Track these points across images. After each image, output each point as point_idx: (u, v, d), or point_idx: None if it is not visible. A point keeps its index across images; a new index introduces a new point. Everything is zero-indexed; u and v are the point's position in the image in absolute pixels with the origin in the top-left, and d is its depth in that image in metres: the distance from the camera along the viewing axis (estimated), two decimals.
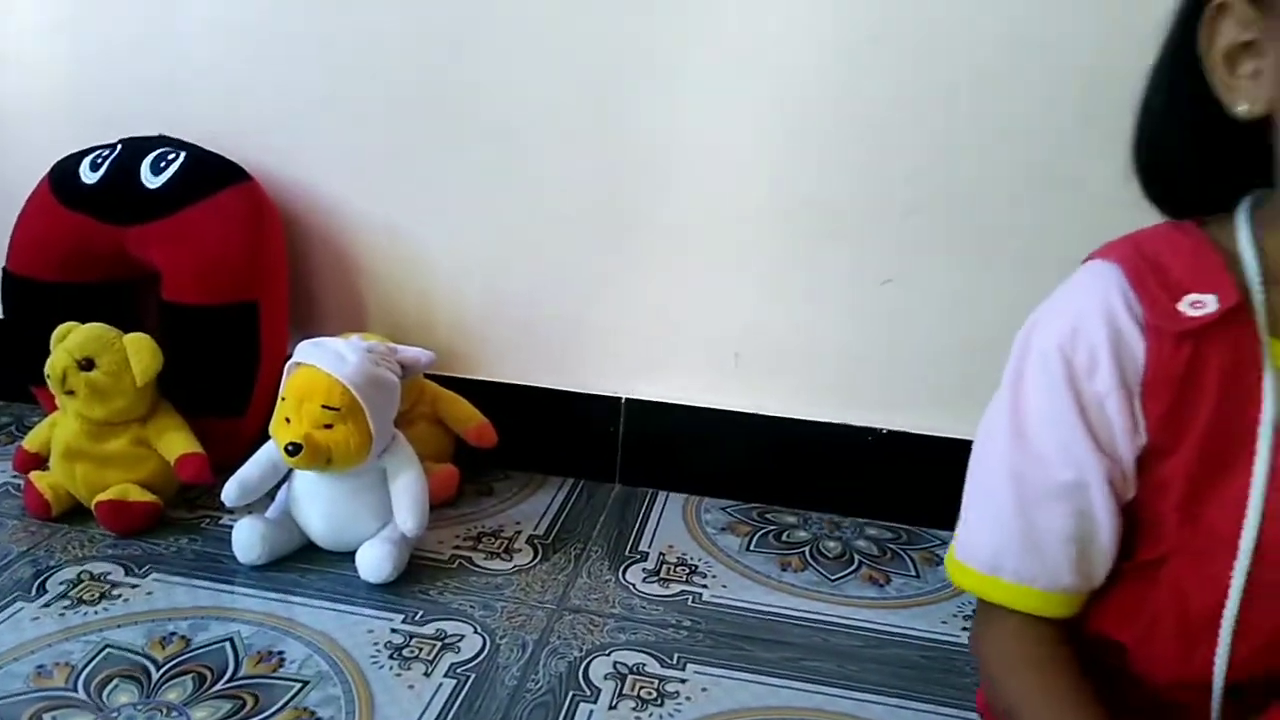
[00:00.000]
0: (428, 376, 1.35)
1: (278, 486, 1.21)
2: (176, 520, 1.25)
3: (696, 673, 1.03)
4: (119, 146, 1.34)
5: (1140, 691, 0.62)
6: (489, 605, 1.13)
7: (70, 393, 1.20)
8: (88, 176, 1.32)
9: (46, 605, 1.07)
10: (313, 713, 0.94)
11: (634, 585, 1.18)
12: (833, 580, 1.22)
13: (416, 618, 1.09)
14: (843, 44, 1.22)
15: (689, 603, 1.15)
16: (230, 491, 1.16)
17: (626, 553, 1.25)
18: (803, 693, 1.01)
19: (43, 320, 1.25)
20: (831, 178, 1.26)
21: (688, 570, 1.22)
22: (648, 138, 1.29)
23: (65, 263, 1.34)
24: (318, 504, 1.17)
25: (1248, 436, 0.54)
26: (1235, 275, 0.56)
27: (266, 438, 1.17)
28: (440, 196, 1.37)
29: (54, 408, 1.27)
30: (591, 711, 0.97)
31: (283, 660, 1.01)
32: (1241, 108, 0.54)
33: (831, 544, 1.29)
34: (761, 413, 1.36)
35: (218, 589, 1.13)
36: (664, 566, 1.22)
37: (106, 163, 1.33)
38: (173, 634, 1.04)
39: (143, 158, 1.32)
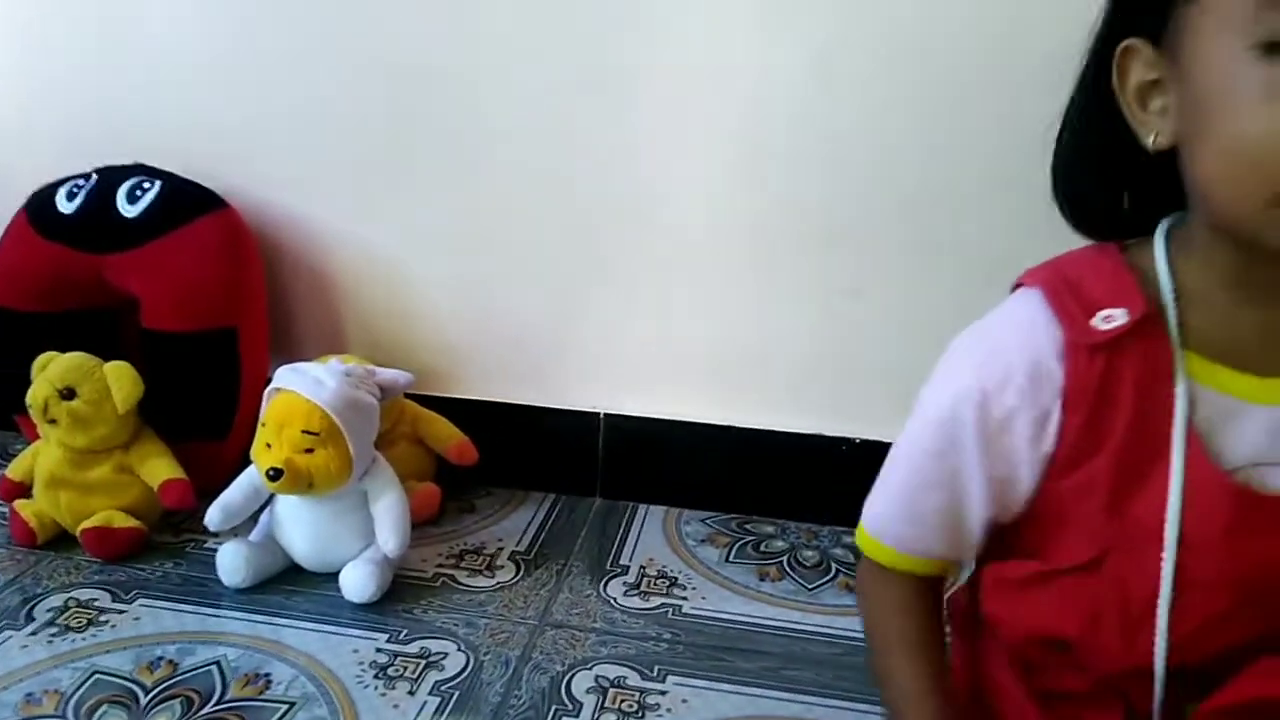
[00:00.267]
0: (408, 396, 1.37)
1: (260, 510, 1.22)
2: (161, 545, 1.26)
3: (677, 684, 1.05)
4: (94, 176, 1.36)
5: (1083, 677, 0.65)
6: (472, 622, 1.14)
7: (53, 422, 1.21)
8: (64, 206, 1.33)
9: (34, 633, 1.09)
10: None
11: (615, 599, 1.20)
12: (810, 589, 1.24)
13: (401, 636, 1.11)
14: (808, 54, 1.24)
15: (669, 615, 1.17)
16: (213, 516, 1.18)
17: (608, 566, 1.27)
18: (782, 702, 1.04)
19: (21, 350, 1.27)
20: (801, 191, 1.29)
21: (668, 583, 1.24)
22: (622, 158, 1.31)
23: (43, 293, 1.35)
24: (300, 527, 1.19)
25: (1164, 438, 0.59)
26: (1148, 291, 0.60)
27: (248, 462, 1.19)
28: (415, 217, 1.39)
29: (36, 435, 1.28)
30: None
31: (269, 682, 1.03)
32: (1151, 140, 0.58)
33: (809, 553, 1.32)
34: (739, 425, 1.39)
35: (204, 613, 1.14)
36: (644, 579, 1.24)
37: (83, 192, 1.34)
38: (160, 658, 1.05)
39: (118, 187, 1.33)
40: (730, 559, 1.30)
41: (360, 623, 1.13)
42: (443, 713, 1.00)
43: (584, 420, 1.42)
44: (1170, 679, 0.61)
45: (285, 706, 0.99)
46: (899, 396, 1.31)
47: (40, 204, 1.35)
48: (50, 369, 1.22)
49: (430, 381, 1.42)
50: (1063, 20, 1.19)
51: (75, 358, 1.23)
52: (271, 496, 1.21)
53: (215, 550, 1.19)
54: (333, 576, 1.18)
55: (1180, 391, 0.59)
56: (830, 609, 1.20)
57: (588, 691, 1.04)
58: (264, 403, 1.17)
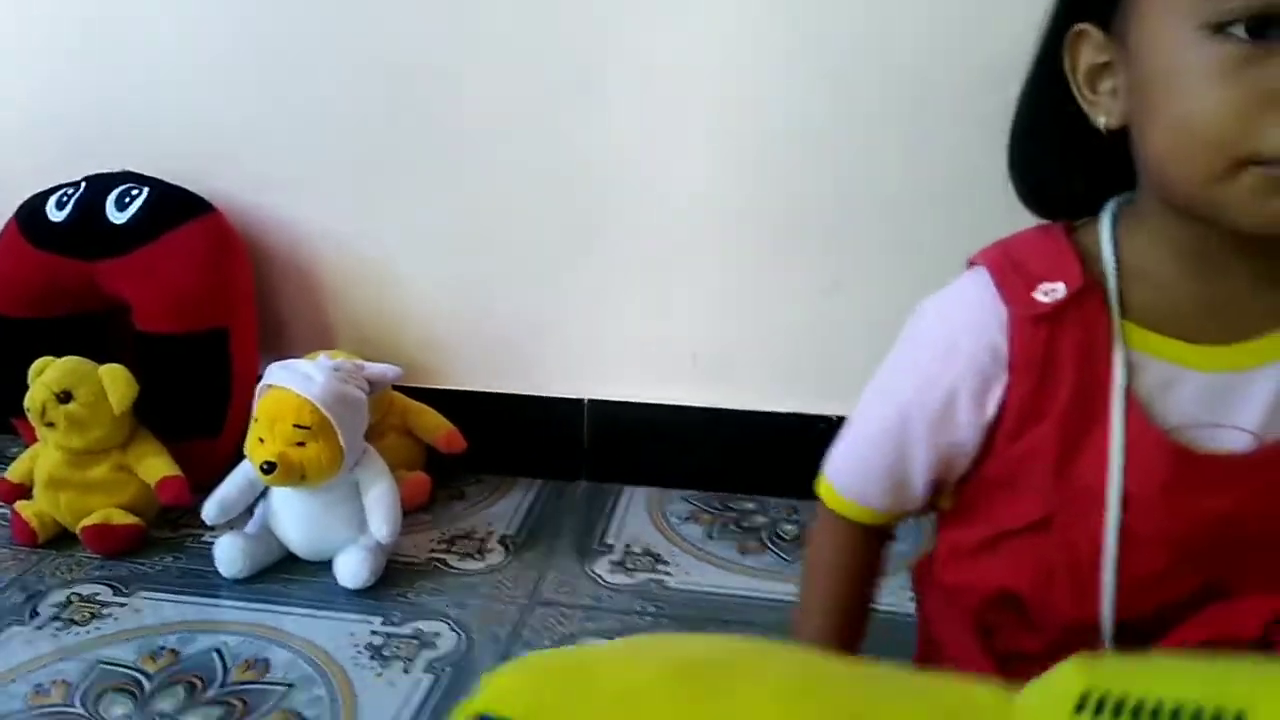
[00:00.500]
0: (396, 389, 1.41)
1: (256, 502, 1.26)
2: (160, 540, 1.30)
3: None
4: (83, 184, 1.39)
5: (1039, 637, 0.69)
6: (463, 604, 1.18)
7: (50, 425, 1.25)
8: (54, 215, 1.37)
9: (40, 628, 1.12)
10: (299, 714, 0.99)
11: (601, 576, 1.24)
12: (790, 561, 1.28)
13: (395, 619, 1.15)
14: (788, 54, 1.27)
15: (654, 590, 1.21)
16: (210, 510, 1.22)
17: (594, 546, 1.31)
18: None
19: (16, 355, 1.30)
20: (778, 182, 1.32)
21: (652, 560, 1.28)
22: (603, 148, 1.35)
23: (36, 300, 1.39)
24: (295, 517, 1.23)
25: (1105, 403, 0.63)
26: (1088, 265, 0.64)
27: (242, 457, 1.22)
28: (407, 217, 1.42)
29: (33, 438, 1.32)
30: None
31: (269, 666, 1.06)
32: (1102, 120, 0.62)
33: (789, 527, 1.36)
34: (719, 406, 1.42)
35: (203, 603, 1.18)
36: (629, 557, 1.28)
37: (72, 201, 1.37)
38: (162, 648, 1.09)
39: (107, 194, 1.36)
40: (713, 535, 1.34)
41: (355, 607, 1.17)
42: (437, 689, 1.04)
43: (569, 407, 1.46)
44: (1118, 633, 0.65)
45: (285, 688, 1.03)
46: (869, 377, 1.37)
47: (30, 213, 1.39)
48: (47, 373, 1.25)
49: (418, 374, 1.45)
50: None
51: (71, 362, 1.27)
52: (266, 489, 1.24)
53: (213, 543, 1.23)
54: (327, 564, 1.21)
55: (1119, 359, 0.62)
56: None
57: None
58: (256, 399, 1.20)
